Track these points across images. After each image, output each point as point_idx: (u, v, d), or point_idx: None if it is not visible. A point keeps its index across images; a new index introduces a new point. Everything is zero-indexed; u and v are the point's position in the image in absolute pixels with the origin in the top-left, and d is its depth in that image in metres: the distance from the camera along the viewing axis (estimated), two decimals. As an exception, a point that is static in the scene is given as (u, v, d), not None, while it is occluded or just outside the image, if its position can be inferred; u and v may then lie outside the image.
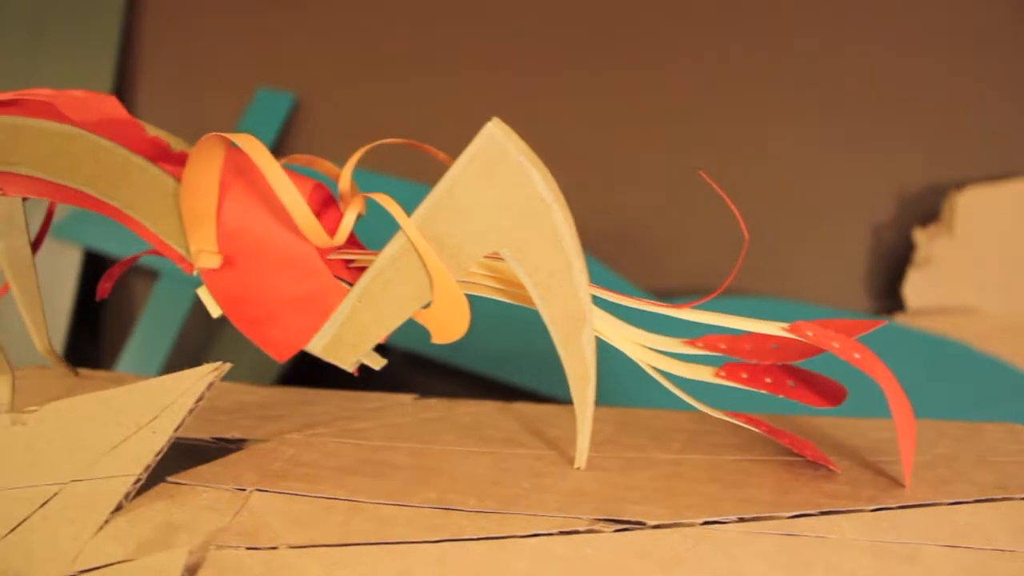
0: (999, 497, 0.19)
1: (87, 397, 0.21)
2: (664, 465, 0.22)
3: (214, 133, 0.19)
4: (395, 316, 0.20)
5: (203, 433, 0.23)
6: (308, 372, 0.50)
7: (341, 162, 0.22)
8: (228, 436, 0.23)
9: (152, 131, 0.23)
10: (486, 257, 0.21)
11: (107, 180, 0.21)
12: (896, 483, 0.21)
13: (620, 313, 0.22)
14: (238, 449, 0.22)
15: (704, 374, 0.22)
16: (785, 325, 0.20)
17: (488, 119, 0.19)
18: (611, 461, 0.22)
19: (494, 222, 0.19)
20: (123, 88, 0.59)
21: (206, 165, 0.20)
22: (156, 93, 0.60)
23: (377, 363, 0.22)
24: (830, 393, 0.22)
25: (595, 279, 0.21)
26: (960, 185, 0.47)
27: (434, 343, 0.21)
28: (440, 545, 0.19)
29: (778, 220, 0.51)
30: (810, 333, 0.20)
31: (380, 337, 0.21)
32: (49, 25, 0.57)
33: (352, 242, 0.23)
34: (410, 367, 0.54)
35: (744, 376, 0.22)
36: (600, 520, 0.19)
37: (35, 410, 0.22)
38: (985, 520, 0.19)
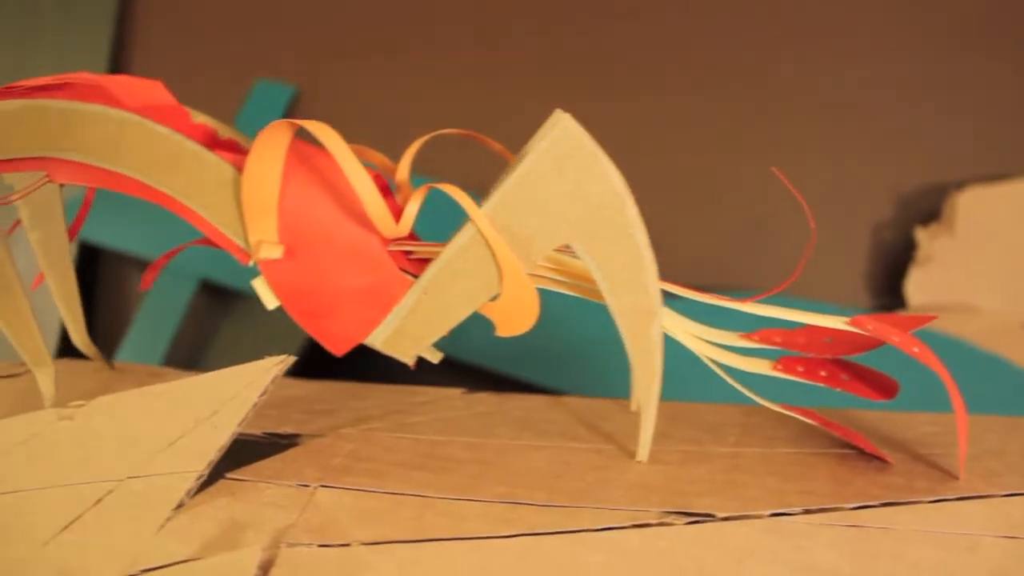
0: (1053, 489, 0.20)
1: (139, 392, 0.21)
2: (722, 458, 0.22)
3: (283, 120, 0.19)
4: (462, 308, 0.20)
5: (254, 428, 0.22)
6: (315, 365, 0.49)
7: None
8: (280, 431, 0.22)
9: (199, 118, 0.22)
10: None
11: (161, 167, 0.20)
12: (949, 475, 0.21)
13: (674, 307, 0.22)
14: (291, 444, 0.22)
15: (762, 367, 0.22)
16: (847, 319, 0.20)
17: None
18: (669, 455, 0.22)
19: (566, 215, 0.19)
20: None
21: (271, 153, 0.19)
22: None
23: (435, 356, 0.22)
24: (882, 387, 0.22)
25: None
26: (961, 185, 0.48)
27: (496, 336, 0.21)
28: (515, 540, 0.19)
29: (781, 218, 0.52)
30: (871, 327, 0.20)
31: (445, 330, 0.20)
32: (41, 15, 0.56)
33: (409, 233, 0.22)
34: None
35: (800, 369, 0.22)
36: (670, 513, 0.19)
37: (82, 404, 0.21)
38: (1041, 512, 0.19)
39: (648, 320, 0.20)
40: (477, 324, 0.21)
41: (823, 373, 0.22)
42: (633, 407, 0.24)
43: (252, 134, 0.20)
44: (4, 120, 0.20)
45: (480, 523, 0.19)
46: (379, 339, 0.21)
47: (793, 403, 0.24)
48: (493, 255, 0.19)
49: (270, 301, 0.21)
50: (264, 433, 0.22)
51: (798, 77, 0.52)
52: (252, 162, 0.19)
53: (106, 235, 0.53)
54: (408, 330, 0.20)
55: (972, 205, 0.47)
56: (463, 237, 0.20)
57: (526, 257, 0.20)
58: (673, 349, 0.23)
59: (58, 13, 0.56)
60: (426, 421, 0.23)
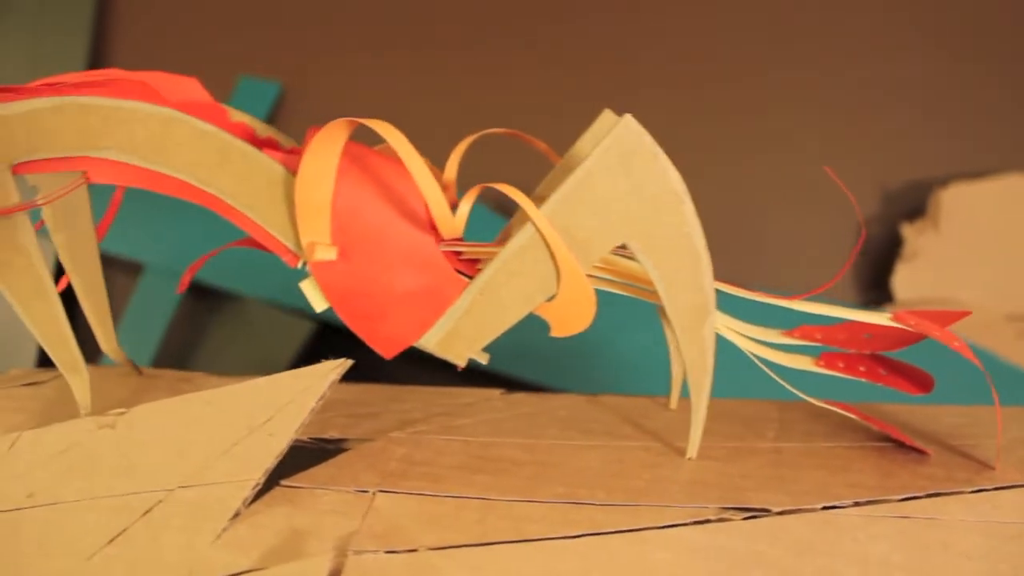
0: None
1: (185, 399, 0.20)
2: (767, 453, 0.22)
3: (342, 119, 0.18)
4: (517, 309, 0.20)
5: (299, 433, 0.22)
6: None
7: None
8: (326, 436, 0.22)
9: (236, 116, 0.22)
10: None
11: (207, 167, 0.20)
12: (985, 466, 0.22)
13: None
14: (338, 449, 0.22)
15: (805, 363, 0.23)
16: (891, 315, 0.21)
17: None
18: (716, 451, 0.22)
19: (625, 214, 0.19)
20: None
21: (328, 152, 0.19)
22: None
23: (484, 357, 0.22)
24: (919, 381, 0.23)
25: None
26: (945, 182, 0.49)
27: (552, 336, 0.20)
28: (580, 540, 0.19)
29: (769, 215, 0.53)
30: (913, 322, 0.21)
31: (500, 331, 0.20)
32: (16, 12, 0.53)
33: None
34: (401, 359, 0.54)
35: (841, 365, 0.23)
36: (727, 508, 0.20)
37: (123, 412, 0.20)
38: (1079, 498, 0.20)
39: (702, 319, 0.20)
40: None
41: (862, 368, 0.23)
42: (672, 405, 0.25)
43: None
44: (42, 118, 0.19)
45: (544, 525, 0.19)
46: (432, 341, 0.21)
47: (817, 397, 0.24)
48: (551, 256, 0.19)
49: (319, 304, 0.21)
50: (310, 438, 0.22)
51: (787, 79, 0.53)
52: (308, 161, 0.19)
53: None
54: (462, 331, 0.20)
55: (956, 201, 0.48)
56: (521, 238, 0.19)
57: (584, 258, 0.20)
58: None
59: (33, 12, 0.53)
60: (472, 423, 0.23)
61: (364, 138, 0.23)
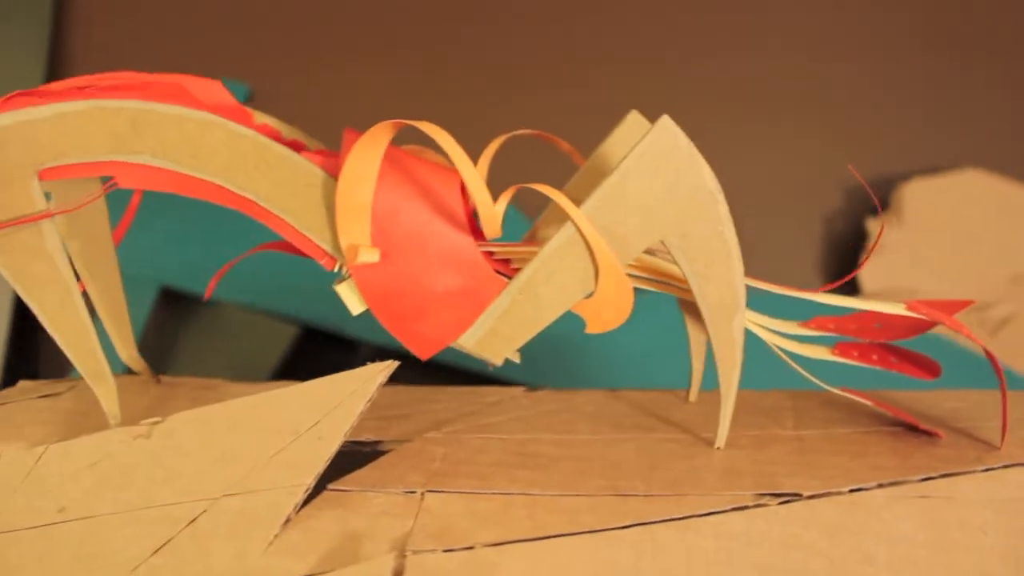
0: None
1: (224, 406, 0.20)
2: (789, 441, 0.23)
3: (388, 121, 0.18)
4: (556, 307, 0.20)
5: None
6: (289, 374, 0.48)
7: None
8: (361, 439, 0.22)
9: (261, 118, 0.22)
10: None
11: (244, 171, 0.19)
12: (990, 446, 0.23)
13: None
14: (375, 451, 0.22)
15: (822, 353, 0.24)
16: (905, 304, 0.22)
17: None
18: (741, 440, 0.23)
19: (662, 212, 0.20)
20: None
21: (370, 154, 0.19)
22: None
23: (516, 356, 0.22)
24: (927, 367, 0.24)
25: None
26: (906, 177, 0.51)
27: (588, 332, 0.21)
28: (629, 531, 0.19)
29: (735, 212, 0.54)
30: (924, 311, 0.22)
31: (538, 329, 0.21)
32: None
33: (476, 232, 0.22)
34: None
35: (855, 354, 0.24)
36: (763, 495, 0.20)
37: (158, 421, 0.20)
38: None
39: (732, 313, 0.21)
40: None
41: (875, 356, 0.24)
42: (692, 398, 0.25)
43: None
44: (70, 121, 0.19)
45: (592, 517, 0.19)
46: (471, 340, 0.21)
47: (810, 386, 0.25)
48: (591, 254, 0.20)
49: (356, 306, 0.20)
50: (346, 441, 0.22)
51: (752, 79, 0.54)
52: (351, 163, 0.19)
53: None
54: (502, 331, 0.21)
55: (918, 196, 0.51)
56: (561, 237, 0.20)
57: (623, 255, 0.20)
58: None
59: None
60: (503, 421, 0.23)
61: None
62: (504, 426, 0.23)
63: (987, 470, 0.22)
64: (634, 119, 0.23)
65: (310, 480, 0.18)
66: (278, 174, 0.19)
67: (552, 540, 0.19)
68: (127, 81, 0.19)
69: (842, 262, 0.54)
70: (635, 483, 0.20)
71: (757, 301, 0.24)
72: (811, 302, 0.23)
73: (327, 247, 0.20)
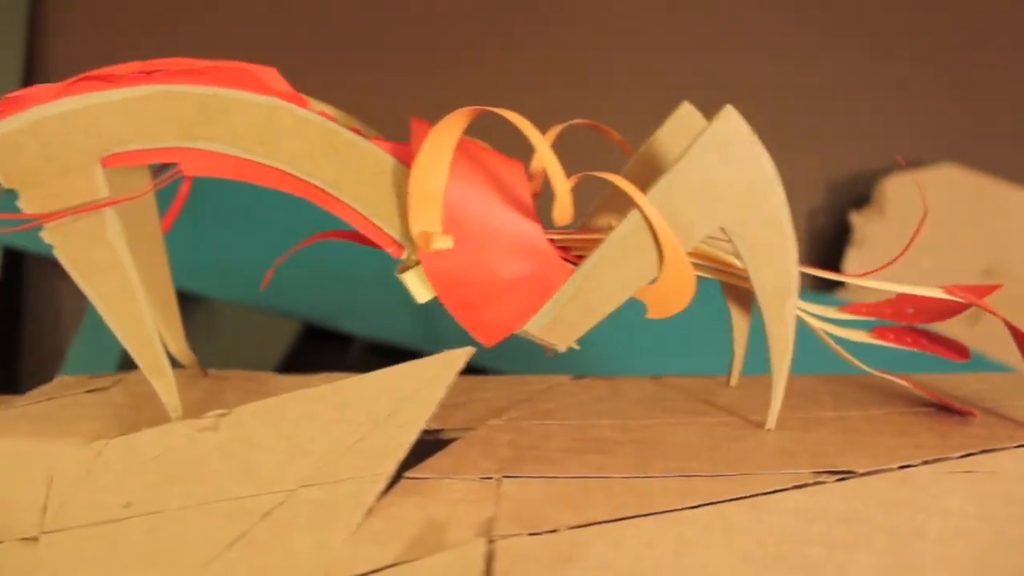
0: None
1: (295, 396, 0.20)
2: (832, 422, 0.24)
3: (465, 108, 0.19)
4: (620, 293, 0.21)
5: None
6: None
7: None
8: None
9: (317, 106, 0.21)
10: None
11: (311, 157, 0.19)
12: (1018, 424, 0.24)
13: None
14: (438, 439, 0.22)
15: (861, 336, 0.24)
16: (944, 288, 0.23)
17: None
18: (788, 422, 0.24)
19: (724, 200, 0.20)
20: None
21: (445, 141, 0.19)
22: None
23: (576, 343, 0.22)
24: (956, 349, 0.25)
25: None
26: (887, 172, 0.53)
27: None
28: (702, 510, 0.19)
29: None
30: (961, 294, 0.23)
31: (602, 315, 0.21)
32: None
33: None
34: (366, 357, 0.53)
35: (891, 337, 0.25)
36: (820, 472, 0.21)
37: (224, 413, 0.20)
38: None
39: (785, 298, 0.22)
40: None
41: (909, 339, 0.25)
42: (732, 383, 0.26)
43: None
44: (137, 107, 0.18)
45: (666, 498, 0.20)
46: (536, 326, 0.21)
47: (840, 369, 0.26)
48: (656, 241, 0.20)
49: (422, 294, 0.20)
50: (410, 430, 0.22)
51: (736, 78, 0.55)
52: (427, 150, 0.19)
53: (33, 238, 0.48)
54: (567, 317, 0.21)
55: (898, 190, 0.53)
56: (627, 224, 0.20)
57: (685, 242, 0.20)
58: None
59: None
60: (558, 408, 0.23)
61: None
62: (560, 412, 0.23)
63: (1019, 446, 0.23)
64: (686, 110, 0.24)
65: (392, 468, 0.18)
66: (347, 161, 0.19)
67: (632, 521, 0.19)
68: (193, 66, 0.19)
69: (826, 253, 0.55)
70: (699, 464, 0.21)
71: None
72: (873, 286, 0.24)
73: (395, 234, 0.20)
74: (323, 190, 0.20)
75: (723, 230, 0.21)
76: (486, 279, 0.20)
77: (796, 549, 0.20)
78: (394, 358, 0.55)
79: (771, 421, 0.23)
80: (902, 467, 0.22)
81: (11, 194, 0.18)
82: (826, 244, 0.55)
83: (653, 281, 0.21)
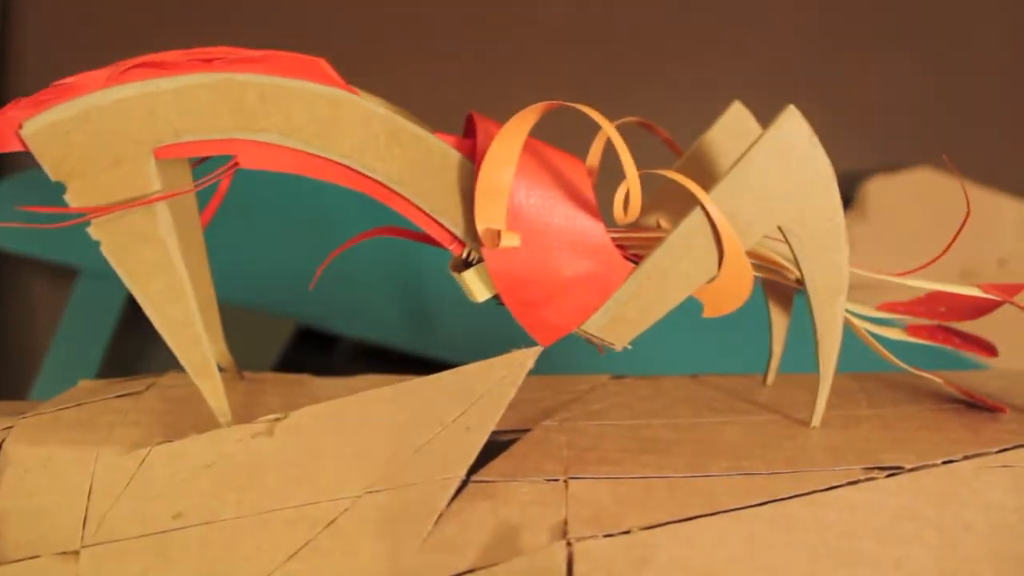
0: None
1: (354, 399, 0.19)
2: (871, 419, 0.24)
3: (538, 104, 0.18)
4: (680, 291, 0.21)
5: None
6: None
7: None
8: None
9: (366, 98, 0.21)
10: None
11: (374, 151, 0.19)
12: (1046, 418, 0.25)
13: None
14: (494, 441, 0.21)
15: (898, 334, 0.25)
16: (981, 286, 0.24)
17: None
18: (830, 419, 0.24)
19: (784, 199, 0.20)
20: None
21: (515, 137, 0.19)
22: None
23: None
24: (985, 347, 0.26)
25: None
26: (868, 175, 0.55)
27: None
28: (766, 507, 0.19)
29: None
30: (995, 292, 0.24)
31: (662, 314, 0.21)
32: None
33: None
34: (352, 359, 0.52)
35: (925, 334, 0.25)
36: (870, 468, 0.21)
37: (280, 418, 0.19)
38: None
39: (835, 296, 0.22)
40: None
41: (941, 337, 0.25)
42: (769, 382, 0.26)
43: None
44: (195, 96, 0.17)
45: (728, 496, 0.20)
46: (596, 325, 0.21)
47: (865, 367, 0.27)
48: (717, 239, 0.20)
49: (482, 293, 0.20)
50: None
51: (717, 79, 0.56)
52: (498, 146, 0.18)
53: (7, 237, 0.46)
54: (628, 315, 0.21)
55: (880, 192, 0.54)
56: (689, 223, 0.20)
57: (745, 241, 0.20)
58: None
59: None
60: (606, 408, 0.23)
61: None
62: (610, 412, 0.23)
63: (1049, 440, 0.24)
64: (737, 110, 0.24)
65: (462, 471, 0.18)
66: (411, 155, 0.19)
67: (699, 520, 0.19)
68: (255, 55, 0.18)
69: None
70: (754, 462, 0.21)
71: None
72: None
73: (458, 231, 0.20)
74: (383, 185, 0.19)
75: (780, 229, 0.21)
76: (549, 277, 0.20)
77: (854, 545, 0.20)
78: (381, 360, 0.54)
79: (816, 419, 0.23)
80: (945, 462, 0.22)
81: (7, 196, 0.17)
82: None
83: (711, 280, 0.21)
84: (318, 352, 0.51)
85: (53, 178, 0.17)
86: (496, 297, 0.20)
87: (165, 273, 0.18)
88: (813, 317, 0.22)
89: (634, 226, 0.24)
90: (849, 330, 0.24)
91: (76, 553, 0.18)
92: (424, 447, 0.18)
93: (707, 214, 0.20)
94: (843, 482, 0.21)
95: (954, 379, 0.27)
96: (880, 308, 0.25)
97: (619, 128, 0.22)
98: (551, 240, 0.20)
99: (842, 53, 0.56)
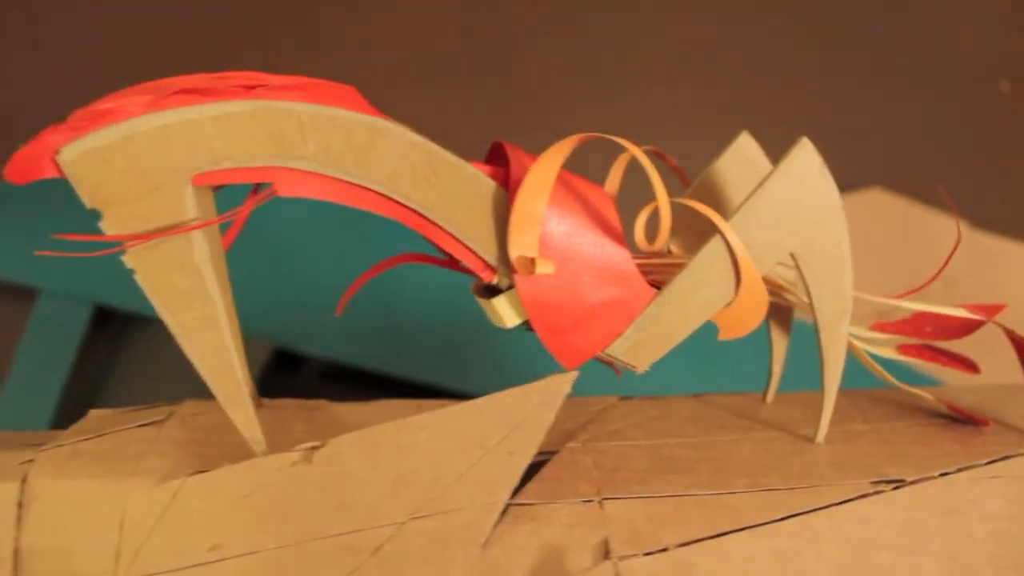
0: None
1: (393, 426, 0.19)
2: (868, 434, 0.25)
3: (576, 135, 0.19)
4: (699, 316, 0.21)
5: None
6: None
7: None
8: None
9: (397, 126, 0.21)
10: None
11: (411, 180, 0.19)
12: (1020, 431, 0.27)
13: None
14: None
15: (891, 353, 0.26)
16: (968, 307, 0.25)
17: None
18: (831, 435, 0.25)
19: (796, 227, 0.21)
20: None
21: (552, 167, 0.19)
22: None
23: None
24: (969, 364, 0.27)
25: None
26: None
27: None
28: (789, 521, 0.20)
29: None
30: (979, 312, 0.25)
31: (681, 338, 0.21)
32: None
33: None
34: (319, 379, 0.52)
35: (914, 353, 0.26)
36: (877, 482, 0.22)
37: (317, 446, 0.19)
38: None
39: (841, 318, 0.23)
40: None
41: (928, 355, 0.27)
42: (769, 400, 0.27)
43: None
44: (235, 122, 0.17)
45: (754, 512, 0.20)
46: (620, 349, 0.21)
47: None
48: (735, 265, 0.21)
49: (511, 319, 0.20)
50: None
51: (668, 100, 0.58)
52: (534, 176, 0.19)
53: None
54: (650, 340, 0.21)
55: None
56: (710, 250, 0.21)
57: (760, 267, 0.21)
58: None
59: None
60: (622, 428, 0.23)
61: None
62: (626, 433, 0.23)
63: (1029, 452, 0.25)
64: (744, 140, 0.25)
65: (506, 495, 0.18)
66: (447, 184, 0.19)
67: (730, 536, 0.19)
68: (295, 82, 0.18)
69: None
70: (772, 478, 0.22)
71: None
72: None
73: (490, 259, 0.20)
74: (418, 213, 0.19)
75: (792, 255, 0.22)
76: (578, 303, 0.20)
77: (870, 556, 0.21)
78: (348, 380, 0.53)
79: (821, 435, 0.24)
80: (942, 475, 0.23)
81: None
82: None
83: (728, 304, 0.21)
84: (285, 372, 0.50)
85: (88, 206, 0.17)
86: (525, 323, 0.21)
87: (200, 302, 0.18)
88: (819, 338, 0.23)
89: (651, 252, 0.24)
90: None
91: (107, 589, 0.17)
92: (467, 472, 0.18)
93: (726, 241, 0.21)
94: (854, 495, 0.22)
95: (942, 395, 0.29)
96: (872, 328, 0.26)
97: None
98: (580, 267, 0.20)
99: (793, 80, 0.59)
